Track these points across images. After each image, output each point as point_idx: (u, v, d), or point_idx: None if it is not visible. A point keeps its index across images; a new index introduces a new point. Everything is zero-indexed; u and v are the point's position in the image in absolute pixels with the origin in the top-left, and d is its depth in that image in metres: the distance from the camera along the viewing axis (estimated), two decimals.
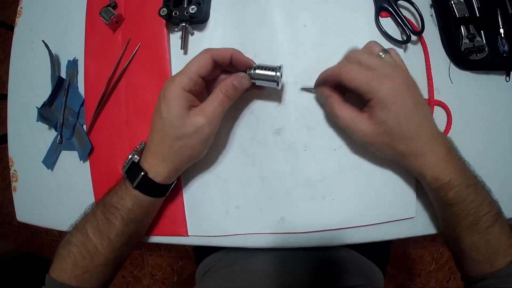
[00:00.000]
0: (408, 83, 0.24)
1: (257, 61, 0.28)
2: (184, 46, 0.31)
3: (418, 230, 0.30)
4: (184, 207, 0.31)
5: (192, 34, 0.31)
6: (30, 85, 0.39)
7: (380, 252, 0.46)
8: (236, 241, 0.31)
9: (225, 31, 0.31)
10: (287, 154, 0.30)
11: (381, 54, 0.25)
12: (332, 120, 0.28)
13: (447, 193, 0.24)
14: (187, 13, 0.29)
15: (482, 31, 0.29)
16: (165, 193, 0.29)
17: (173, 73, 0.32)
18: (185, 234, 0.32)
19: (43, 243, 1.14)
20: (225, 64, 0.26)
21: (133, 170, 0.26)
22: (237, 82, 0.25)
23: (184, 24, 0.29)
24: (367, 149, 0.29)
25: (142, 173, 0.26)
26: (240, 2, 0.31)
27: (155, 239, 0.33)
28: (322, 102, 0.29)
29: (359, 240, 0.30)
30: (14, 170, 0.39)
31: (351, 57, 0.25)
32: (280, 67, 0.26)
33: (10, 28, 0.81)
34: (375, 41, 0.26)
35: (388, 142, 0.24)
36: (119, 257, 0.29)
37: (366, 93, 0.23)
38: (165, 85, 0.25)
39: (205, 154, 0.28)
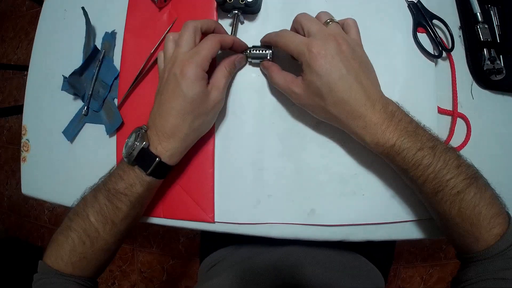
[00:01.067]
0: (341, 48, 0.24)
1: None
2: (234, 33, 0.31)
3: (434, 232, 0.31)
4: (213, 193, 0.31)
5: (242, 23, 0.32)
6: (56, 54, 0.37)
7: (384, 258, 0.48)
8: (263, 230, 0.31)
9: (273, 25, 0.32)
10: (323, 149, 0.31)
11: (328, 21, 0.26)
12: (273, 86, 0.30)
13: (395, 157, 0.23)
14: (242, 1, 0.30)
15: (501, 56, 0.33)
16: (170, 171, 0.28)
17: (219, 60, 0.32)
18: (212, 220, 0.31)
19: (31, 229, 1.08)
20: (227, 48, 0.29)
21: (145, 157, 0.26)
22: (237, 62, 0.29)
23: (236, 11, 0.30)
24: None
25: (157, 159, 0.25)
26: (292, 2, 0.32)
27: (179, 223, 0.32)
28: (265, 74, 0.31)
29: (381, 238, 0.31)
30: (27, 139, 0.37)
31: (295, 21, 0.27)
32: (271, 46, 0.30)
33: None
34: (325, 11, 0.28)
35: (320, 104, 0.25)
36: (119, 241, 0.28)
37: (297, 57, 0.25)
38: (182, 65, 0.25)
39: (242, 141, 0.29)
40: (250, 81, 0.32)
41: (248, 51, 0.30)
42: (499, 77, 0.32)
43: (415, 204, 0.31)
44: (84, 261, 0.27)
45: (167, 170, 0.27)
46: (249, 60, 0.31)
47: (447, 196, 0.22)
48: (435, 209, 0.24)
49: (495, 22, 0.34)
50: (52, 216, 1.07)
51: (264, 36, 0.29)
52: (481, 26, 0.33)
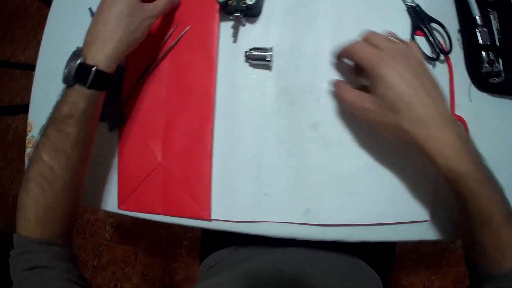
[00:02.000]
0: (413, 66, 0.24)
1: (303, 60, 0.30)
2: (235, 35, 0.32)
3: (432, 234, 0.31)
4: (210, 191, 0.32)
5: (244, 25, 0.33)
6: (64, 51, 0.38)
7: (384, 263, 0.48)
8: (260, 229, 0.32)
9: (274, 28, 0.33)
10: (320, 149, 0.31)
11: (396, 40, 0.27)
12: (344, 106, 0.30)
13: (463, 187, 0.23)
14: (243, 3, 0.30)
15: (500, 59, 0.33)
16: (110, 81, 0.29)
17: (220, 59, 0.33)
18: (208, 217, 0.32)
19: None
20: None
21: (83, 72, 0.27)
22: None
23: (238, 14, 0.31)
24: (393, 147, 0.30)
25: (94, 68, 0.26)
26: (294, 4, 0.33)
27: (177, 220, 0.32)
28: (335, 95, 0.31)
29: (375, 239, 0.31)
30: (32, 136, 0.38)
31: (366, 36, 0.27)
32: (271, 48, 0.31)
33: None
34: (390, 31, 0.28)
35: (395, 121, 0.24)
36: (76, 177, 0.29)
37: (369, 68, 0.25)
38: None
39: (241, 140, 0.29)
40: (249, 82, 0.33)
41: (249, 53, 0.31)
42: (497, 80, 0.33)
43: (411, 206, 0.31)
44: (50, 212, 0.27)
45: (106, 79, 0.28)
46: (249, 61, 0.32)
47: (492, 228, 0.23)
48: (475, 235, 0.25)
49: (495, 26, 0.34)
50: None
51: (338, 51, 0.29)
52: (480, 29, 0.33)
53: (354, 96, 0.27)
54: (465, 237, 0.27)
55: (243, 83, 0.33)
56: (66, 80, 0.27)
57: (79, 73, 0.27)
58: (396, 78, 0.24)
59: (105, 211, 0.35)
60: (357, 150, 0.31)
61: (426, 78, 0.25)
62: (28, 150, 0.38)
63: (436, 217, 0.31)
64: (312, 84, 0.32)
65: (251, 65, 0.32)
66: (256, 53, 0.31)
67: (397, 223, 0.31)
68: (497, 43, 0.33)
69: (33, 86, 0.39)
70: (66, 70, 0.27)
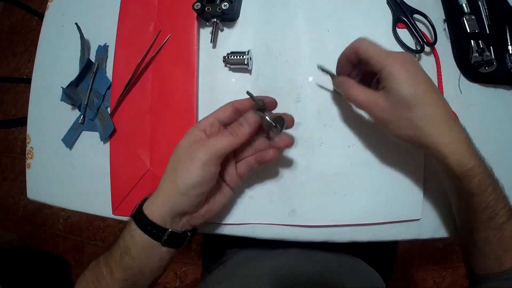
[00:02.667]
0: (420, 67, 0.24)
1: (282, 60, 0.30)
2: (214, 40, 0.33)
3: (424, 232, 0.31)
4: None
5: (222, 30, 0.33)
6: (56, 67, 0.40)
7: (386, 263, 0.47)
8: (246, 231, 0.32)
9: (253, 30, 0.33)
10: (302, 149, 0.31)
11: None
12: (351, 102, 0.28)
13: (471, 180, 0.23)
14: (219, 9, 0.31)
15: (491, 47, 0.31)
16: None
17: (200, 65, 0.34)
18: None
19: (46, 237, 1.13)
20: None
21: (138, 212, 0.26)
22: (242, 119, 0.25)
23: (215, 19, 0.32)
24: (379, 145, 0.30)
25: (143, 211, 0.25)
26: (269, 5, 0.33)
27: None
28: (339, 91, 0.29)
29: (365, 239, 0.31)
30: (31, 147, 0.40)
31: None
32: (249, 51, 0.31)
33: (38, 15, 0.84)
34: None
35: (407, 117, 0.24)
36: None
37: (378, 64, 0.24)
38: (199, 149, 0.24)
39: None
40: (230, 86, 0.33)
41: (226, 57, 0.31)
42: (489, 69, 0.31)
43: (401, 205, 0.30)
44: None
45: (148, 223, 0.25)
46: (228, 66, 0.32)
47: (496, 224, 0.24)
48: (478, 232, 0.25)
49: (484, 12, 0.32)
50: (66, 225, 1.11)
51: (343, 52, 0.27)
52: (467, 17, 0.32)
53: (364, 93, 0.25)
54: (466, 234, 0.27)
55: (224, 87, 0.33)
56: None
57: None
58: (409, 76, 0.23)
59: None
60: (341, 149, 0.31)
61: (431, 80, 0.25)
62: (29, 161, 0.40)
63: (428, 215, 0.30)
64: (292, 84, 0.32)
65: (231, 69, 0.33)
66: (233, 57, 0.31)
67: (387, 222, 0.30)
68: (487, 31, 0.32)
69: (30, 100, 0.41)
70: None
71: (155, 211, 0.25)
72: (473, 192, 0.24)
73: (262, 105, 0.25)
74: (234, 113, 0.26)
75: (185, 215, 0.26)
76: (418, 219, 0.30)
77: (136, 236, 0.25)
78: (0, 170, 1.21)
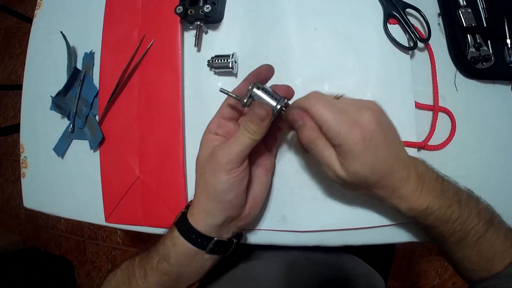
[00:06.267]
0: (379, 123, 0.22)
1: (268, 62, 0.29)
2: (198, 44, 0.32)
3: (418, 235, 0.30)
4: (186, 202, 0.32)
5: (206, 32, 0.32)
6: (45, 75, 0.40)
7: (384, 260, 0.46)
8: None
9: (238, 32, 0.32)
10: (292, 154, 0.30)
11: (338, 96, 0.23)
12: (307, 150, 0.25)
13: (426, 219, 0.24)
14: (202, 12, 0.30)
15: (488, 41, 0.30)
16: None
17: (186, 69, 0.33)
18: None
19: (49, 238, 1.15)
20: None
21: (182, 219, 0.25)
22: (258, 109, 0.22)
23: (199, 22, 0.31)
24: None
25: (189, 222, 0.25)
26: (254, 5, 0.32)
27: (158, 230, 0.33)
28: (292, 126, 0.24)
29: (358, 242, 0.30)
30: (25, 157, 0.40)
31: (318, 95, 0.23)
32: (233, 54, 0.30)
33: (28, 20, 0.85)
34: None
35: (365, 188, 0.24)
36: None
37: (334, 138, 0.21)
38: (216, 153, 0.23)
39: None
40: (216, 90, 0.32)
41: (211, 61, 0.31)
42: (486, 65, 0.30)
43: (391, 209, 0.29)
44: None
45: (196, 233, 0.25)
46: (213, 70, 0.31)
47: (469, 242, 0.23)
48: (453, 253, 0.25)
49: (481, 4, 0.30)
50: (68, 225, 1.12)
51: (293, 105, 0.24)
52: (463, 10, 0.30)
53: (327, 153, 0.23)
54: (446, 256, 0.27)
55: (210, 92, 0.32)
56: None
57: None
58: (363, 149, 0.21)
59: None
60: None
61: (385, 127, 0.23)
62: (23, 170, 0.41)
63: None
64: None
65: (216, 73, 0.32)
66: (218, 61, 0.30)
67: (380, 226, 0.30)
68: (484, 24, 0.30)
69: (21, 109, 0.41)
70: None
71: (199, 220, 0.25)
72: (433, 226, 0.24)
73: (246, 102, 0.23)
74: (232, 106, 0.26)
75: (231, 221, 0.25)
76: (411, 222, 0.29)
77: (179, 244, 0.25)
78: (1, 173, 1.24)
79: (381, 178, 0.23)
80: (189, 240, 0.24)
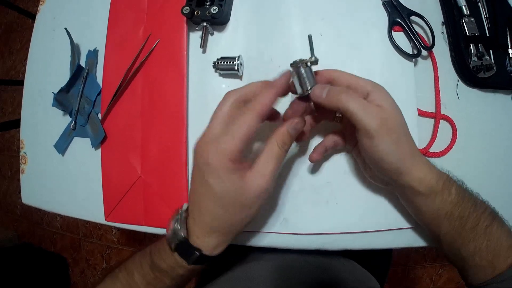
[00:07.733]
0: (398, 110, 0.23)
1: (274, 66, 0.29)
2: (204, 45, 0.32)
3: (417, 241, 0.30)
4: (188, 200, 0.32)
5: (212, 34, 0.32)
6: (47, 71, 0.40)
7: (381, 265, 0.46)
8: (238, 239, 0.32)
9: (244, 34, 0.32)
10: (294, 157, 0.31)
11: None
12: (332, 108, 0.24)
13: (450, 191, 0.24)
14: (208, 13, 0.30)
15: (490, 51, 0.30)
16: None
17: (190, 70, 0.33)
18: None
19: (44, 235, 1.14)
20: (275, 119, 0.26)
21: (186, 249, 0.24)
22: (292, 129, 0.23)
23: (205, 24, 0.31)
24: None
25: (197, 253, 0.23)
26: (261, 8, 0.32)
27: (159, 230, 0.33)
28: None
29: (359, 247, 0.30)
30: (24, 153, 0.40)
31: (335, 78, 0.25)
32: (239, 57, 0.30)
33: (30, 16, 0.84)
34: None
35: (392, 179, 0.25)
36: None
37: (364, 128, 0.22)
38: (207, 150, 0.22)
39: None
40: (220, 92, 0.32)
41: (216, 63, 0.31)
42: (488, 74, 0.30)
43: (390, 214, 0.30)
44: None
45: (211, 259, 0.25)
46: (218, 71, 0.31)
47: (481, 230, 0.24)
48: (466, 244, 0.25)
49: (484, 14, 0.31)
50: (64, 223, 1.11)
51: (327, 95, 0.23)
52: (466, 20, 0.31)
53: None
54: (455, 253, 0.27)
55: (214, 93, 0.32)
56: (168, 243, 0.25)
57: (181, 248, 0.24)
58: (395, 147, 0.22)
59: None
60: (333, 157, 0.30)
61: (405, 121, 0.24)
62: (22, 166, 0.40)
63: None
64: None
65: (221, 74, 0.32)
66: (223, 63, 0.30)
67: (379, 230, 0.30)
68: (487, 34, 0.30)
69: (22, 105, 0.41)
70: (171, 230, 0.24)
71: (217, 249, 0.24)
72: (455, 201, 0.24)
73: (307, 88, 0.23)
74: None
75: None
76: (411, 227, 0.30)
77: (185, 267, 0.25)
78: None
79: (406, 170, 0.23)
80: (196, 263, 0.24)
